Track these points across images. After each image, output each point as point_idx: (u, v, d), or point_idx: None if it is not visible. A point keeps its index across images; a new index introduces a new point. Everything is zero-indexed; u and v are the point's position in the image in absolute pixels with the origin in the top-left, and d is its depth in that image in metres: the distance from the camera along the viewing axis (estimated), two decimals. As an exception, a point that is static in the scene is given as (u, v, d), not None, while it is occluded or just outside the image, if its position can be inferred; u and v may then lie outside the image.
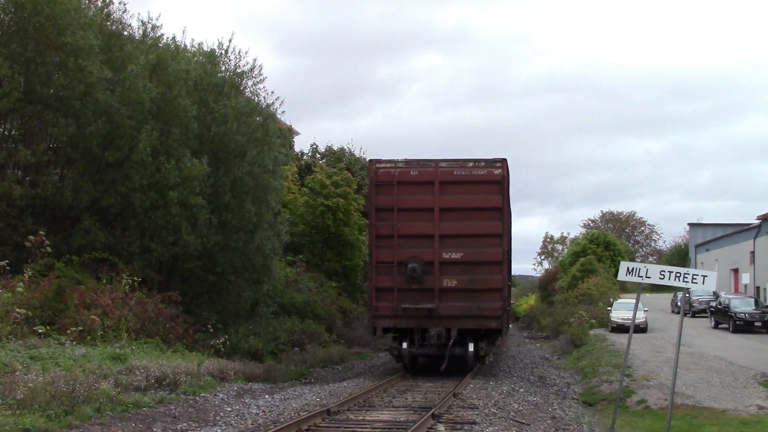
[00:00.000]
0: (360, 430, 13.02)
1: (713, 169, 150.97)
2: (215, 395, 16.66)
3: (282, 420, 13.80)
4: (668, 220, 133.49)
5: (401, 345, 21.39)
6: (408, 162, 21.89)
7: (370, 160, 22.68)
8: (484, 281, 21.06)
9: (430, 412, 14.15)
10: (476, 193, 21.23)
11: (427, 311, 20.87)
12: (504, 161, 21.51)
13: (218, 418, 14.12)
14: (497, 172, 21.35)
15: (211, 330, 22.96)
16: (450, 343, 20.69)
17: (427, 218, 21.14)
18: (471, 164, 21.58)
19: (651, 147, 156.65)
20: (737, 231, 52.40)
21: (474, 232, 21.11)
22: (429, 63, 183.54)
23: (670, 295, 47.82)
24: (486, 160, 21.54)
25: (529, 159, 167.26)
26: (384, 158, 21.90)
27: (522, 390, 19.29)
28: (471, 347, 21.11)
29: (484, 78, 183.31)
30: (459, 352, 21.07)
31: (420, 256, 20.97)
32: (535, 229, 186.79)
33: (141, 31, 24.62)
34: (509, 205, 23.12)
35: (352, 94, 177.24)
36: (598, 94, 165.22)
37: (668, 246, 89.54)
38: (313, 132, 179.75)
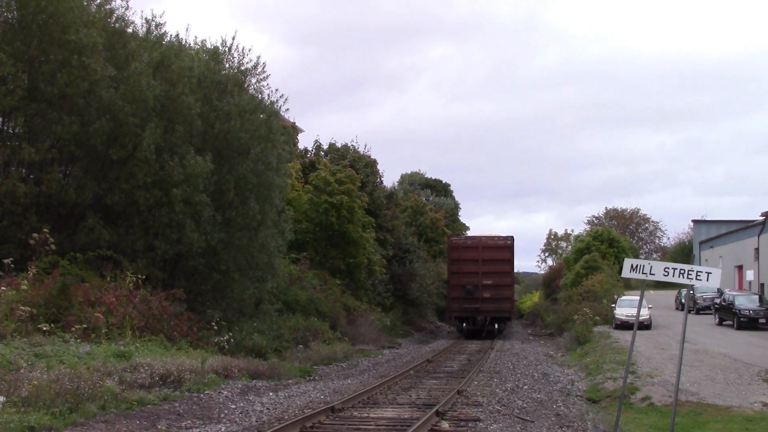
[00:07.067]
0: (364, 427, 13.02)
1: (727, 164, 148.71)
2: (219, 392, 16.68)
3: (286, 417, 13.82)
4: (679, 216, 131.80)
5: (463, 325, 43.75)
6: (467, 237, 51.96)
7: (447, 236, 55.05)
8: (502, 294, 43.60)
9: (434, 409, 14.16)
10: (498, 251, 43.85)
11: (475, 309, 43.12)
12: (512, 237, 44.98)
13: (222, 415, 14.14)
14: (509, 242, 44.50)
15: (215, 327, 22.95)
16: (486, 324, 43.15)
17: (475, 264, 43.34)
18: (496, 238, 45.13)
19: (664, 141, 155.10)
20: (741, 228, 52.12)
21: (497, 271, 43.39)
22: (440, 53, 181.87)
23: (674, 292, 47.67)
24: (504, 237, 45.15)
25: (539, 153, 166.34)
26: (455, 235, 57.33)
27: (526, 387, 19.30)
28: (496, 326, 43.50)
29: (497, 69, 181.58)
30: (490, 329, 43.14)
31: (472, 282, 43.11)
32: (541, 225, 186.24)
33: (144, 29, 24.62)
34: (513, 256, 45.07)
35: (360, 86, 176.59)
36: (614, 85, 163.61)
37: (672, 243, 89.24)
38: (321, 125, 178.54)
